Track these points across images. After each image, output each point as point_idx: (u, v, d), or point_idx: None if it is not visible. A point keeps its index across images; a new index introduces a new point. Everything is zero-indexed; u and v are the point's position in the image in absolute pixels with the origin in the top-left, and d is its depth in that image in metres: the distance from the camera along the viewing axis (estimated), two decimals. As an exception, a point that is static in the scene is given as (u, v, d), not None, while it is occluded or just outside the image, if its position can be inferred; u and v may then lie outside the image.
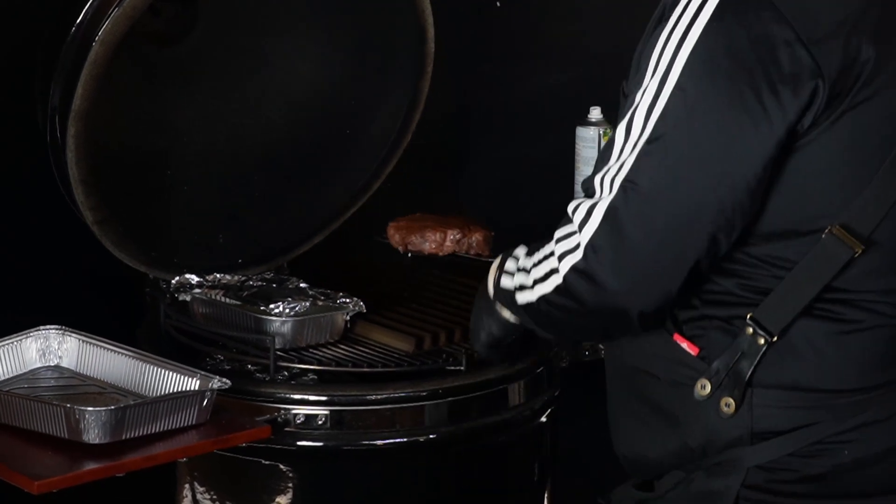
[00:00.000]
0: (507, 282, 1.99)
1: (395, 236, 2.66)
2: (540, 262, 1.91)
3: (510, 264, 2.01)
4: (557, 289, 1.87)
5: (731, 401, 1.88)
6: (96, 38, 2.31)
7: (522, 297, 1.95)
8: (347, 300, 2.50)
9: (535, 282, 1.91)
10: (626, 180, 1.81)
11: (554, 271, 1.87)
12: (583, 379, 2.50)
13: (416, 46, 2.66)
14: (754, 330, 1.86)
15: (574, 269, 1.84)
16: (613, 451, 2.09)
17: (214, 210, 2.69)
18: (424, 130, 2.74)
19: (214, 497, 2.38)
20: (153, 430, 2.03)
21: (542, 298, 1.90)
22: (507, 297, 2.00)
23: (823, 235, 1.84)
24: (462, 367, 2.38)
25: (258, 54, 2.67)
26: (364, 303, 2.49)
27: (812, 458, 1.89)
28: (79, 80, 2.31)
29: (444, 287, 2.72)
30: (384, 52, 2.69)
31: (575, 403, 2.59)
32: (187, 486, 2.39)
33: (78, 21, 2.37)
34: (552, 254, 1.88)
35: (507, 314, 2.07)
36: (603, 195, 1.83)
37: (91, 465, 1.95)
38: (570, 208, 1.88)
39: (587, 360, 2.57)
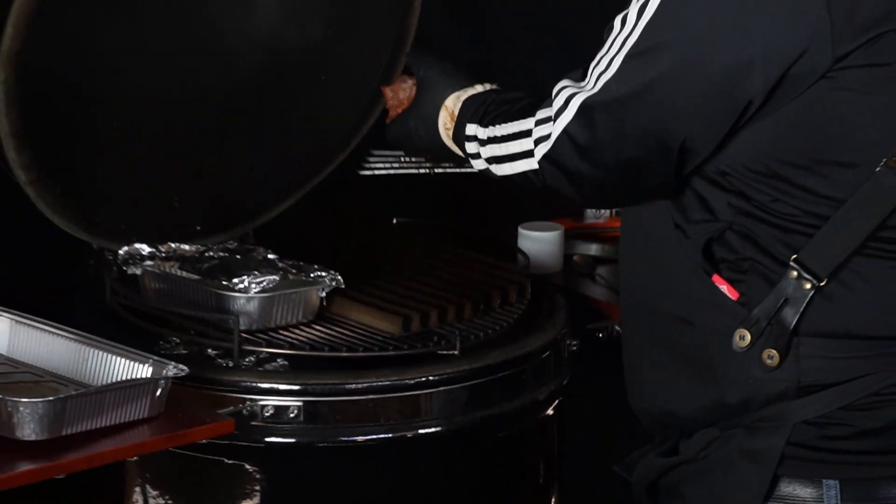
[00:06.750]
0: (472, 148, 2.17)
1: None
2: (515, 136, 2.07)
3: (472, 137, 2.18)
4: (534, 171, 2.05)
5: (774, 352, 1.92)
6: (28, -33, 2.31)
7: (498, 170, 2.12)
8: (323, 274, 2.51)
9: (512, 157, 2.08)
10: (609, 81, 1.94)
11: (529, 154, 2.05)
12: (595, 364, 2.53)
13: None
14: (799, 274, 1.91)
15: (546, 157, 2.01)
16: (630, 407, 2.14)
17: (168, 169, 2.68)
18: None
19: (169, 502, 2.37)
20: (98, 425, 2.01)
21: (520, 174, 2.08)
22: (476, 165, 2.19)
23: (878, 168, 1.89)
24: (456, 352, 2.38)
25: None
26: (342, 276, 2.50)
27: (868, 412, 1.93)
28: (8, 17, 2.29)
29: (434, 258, 2.75)
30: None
31: (586, 393, 2.61)
32: (138, 489, 2.39)
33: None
34: (529, 133, 2.05)
35: (455, 149, 2.25)
36: (586, 87, 1.98)
37: (26, 466, 1.93)
38: (555, 89, 2.03)
39: (601, 341, 2.62)
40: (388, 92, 2.40)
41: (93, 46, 2.49)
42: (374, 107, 2.74)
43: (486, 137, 2.13)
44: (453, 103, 2.22)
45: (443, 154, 2.29)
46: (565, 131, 1.97)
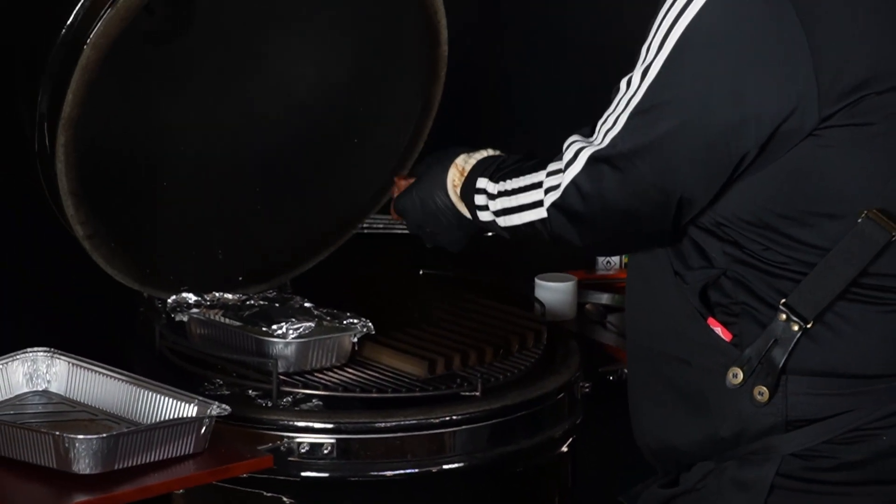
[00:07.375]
0: (481, 200, 2.18)
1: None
2: (526, 189, 2.09)
3: (482, 190, 2.18)
4: (542, 220, 2.06)
5: (764, 389, 1.96)
6: (88, 40, 2.32)
7: (505, 221, 2.13)
8: (355, 321, 2.53)
9: (521, 207, 2.10)
10: (615, 137, 1.97)
11: (539, 204, 2.06)
12: (606, 405, 2.53)
13: (427, 49, 2.66)
14: (788, 316, 1.95)
15: (554, 205, 2.02)
16: (634, 441, 2.15)
17: (213, 223, 2.69)
18: (438, 137, 2.73)
19: (212, 531, 2.38)
20: (148, 460, 2.04)
21: (527, 224, 2.09)
22: (482, 217, 2.19)
23: (860, 220, 1.93)
24: (477, 393, 2.40)
25: (257, 55, 2.66)
26: (372, 323, 2.51)
27: (850, 445, 1.97)
28: (69, 86, 2.32)
29: (457, 306, 2.75)
30: (393, 54, 2.68)
31: (597, 431, 2.61)
32: (184, 519, 2.37)
33: (68, 22, 2.37)
34: (540, 185, 2.07)
35: (465, 212, 2.24)
36: (595, 142, 1.99)
37: (81, 498, 1.95)
38: (565, 143, 2.05)
39: (611, 383, 2.63)
40: (400, 182, 2.37)
41: (145, 113, 2.54)
42: (401, 169, 2.73)
43: (496, 192, 2.14)
44: (464, 160, 2.23)
45: (443, 221, 2.27)
46: (574, 181, 1.99)
